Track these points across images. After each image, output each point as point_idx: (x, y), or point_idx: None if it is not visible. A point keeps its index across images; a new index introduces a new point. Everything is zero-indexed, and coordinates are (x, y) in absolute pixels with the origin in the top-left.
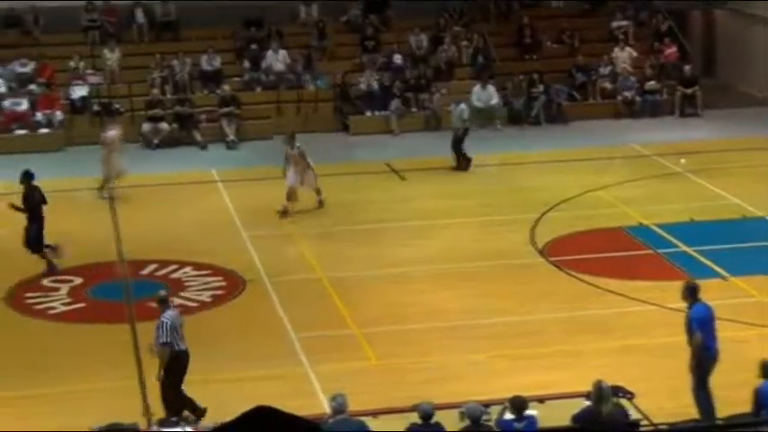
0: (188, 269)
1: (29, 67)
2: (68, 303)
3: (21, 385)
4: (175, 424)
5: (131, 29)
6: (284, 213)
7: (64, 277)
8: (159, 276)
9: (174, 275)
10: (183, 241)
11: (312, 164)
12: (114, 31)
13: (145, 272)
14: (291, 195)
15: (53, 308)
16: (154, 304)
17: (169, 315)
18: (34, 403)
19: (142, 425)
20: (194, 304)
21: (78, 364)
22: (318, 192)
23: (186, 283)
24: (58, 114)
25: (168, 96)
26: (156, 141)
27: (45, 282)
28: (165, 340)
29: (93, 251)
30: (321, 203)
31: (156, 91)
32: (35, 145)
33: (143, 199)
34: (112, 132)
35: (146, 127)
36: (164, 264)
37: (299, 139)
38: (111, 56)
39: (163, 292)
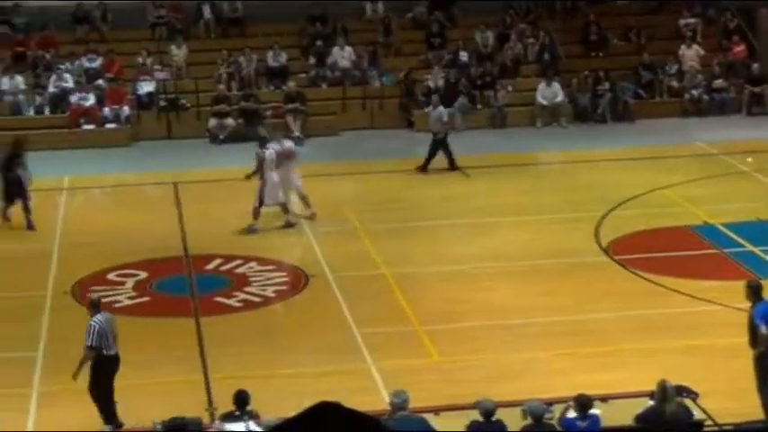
0: (252, 264)
1: (97, 63)
2: (133, 297)
3: (84, 377)
4: (238, 419)
5: (198, 25)
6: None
7: (129, 271)
8: (224, 271)
9: (239, 270)
10: (247, 236)
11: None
12: (181, 28)
13: (209, 267)
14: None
15: (118, 301)
16: (220, 299)
17: (98, 319)
18: None
19: (205, 419)
20: (258, 299)
21: (142, 358)
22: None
23: (250, 278)
24: (125, 109)
25: (234, 92)
26: (221, 137)
27: (111, 275)
28: (90, 344)
29: (158, 246)
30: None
31: (222, 87)
32: (102, 140)
33: (208, 194)
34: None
35: (212, 122)
36: (228, 259)
37: (364, 135)
38: (178, 52)
39: (95, 296)
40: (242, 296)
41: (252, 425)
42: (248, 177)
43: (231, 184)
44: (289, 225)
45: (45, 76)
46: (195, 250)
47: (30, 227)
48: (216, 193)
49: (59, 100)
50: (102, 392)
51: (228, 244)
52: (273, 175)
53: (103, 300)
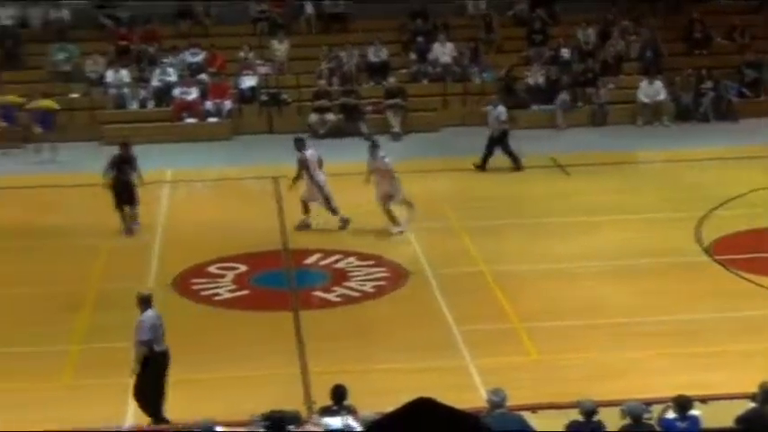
0: (352, 259)
1: (200, 57)
2: (233, 290)
3: (184, 370)
4: (336, 413)
5: (300, 20)
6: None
7: (229, 264)
8: (323, 266)
9: (338, 265)
10: (347, 231)
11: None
12: (283, 23)
13: (309, 261)
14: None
15: (218, 294)
16: (319, 293)
17: (149, 315)
18: (197, 388)
19: (303, 413)
20: (357, 294)
21: (241, 351)
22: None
23: (350, 274)
24: (227, 104)
25: (335, 87)
26: (322, 132)
27: (211, 268)
28: (143, 338)
29: (258, 239)
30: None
31: (323, 82)
32: (204, 133)
33: None
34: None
35: (312, 117)
36: (328, 253)
37: (464, 132)
38: (280, 47)
39: (145, 292)
40: (341, 291)
41: (349, 420)
42: (294, 182)
43: (331, 180)
44: (344, 222)
45: (149, 70)
46: (295, 244)
47: (128, 231)
48: None
49: (163, 94)
50: (150, 389)
51: (328, 239)
52: (320, 174)
53: (203, 293)
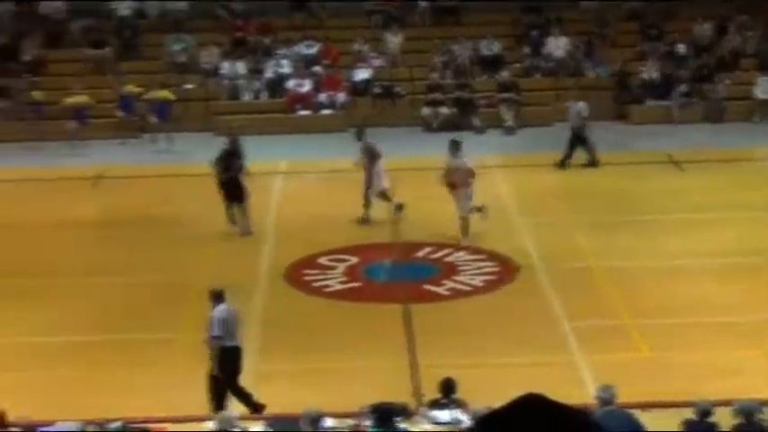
0: (462, 253)
1: (314, 49)
2: (344, 282)
3: (295, 359)
4: (445, 406)
5: (414, 13)
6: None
7: (341, 256)
8: (433, 259)
9: (448, 259)
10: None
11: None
12: (397, 15)
13: (419, 254)
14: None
15: (329, 285)
16: (429, 286)
17: (221, 310)
18: (306, 378)
19: (412, 405)
20: (467, 288)
21: (350, 342)
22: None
23: (460, 267)
24: (341, 96)
25: (448, 81)
26: (434, 125)
27: (322, 260)
28: (215, 334)
29: (369, 231)
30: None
31: (436, 75)
32: (317, 125)
33: (420, 181)
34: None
35: (425, 111)
36: (439, 247)
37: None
38: (394, 39)
39: (218, 288)
40: (451, 285)
41: (458, 413)
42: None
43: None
44: (399, 208)
45: (263, 62)
46: (406, 237)
47: (244, 232)
48: (428, 182)
49: (276, 85)
50: (224, 384)
51: (438, 232)
52: (380, 164)
53: (315, 284)
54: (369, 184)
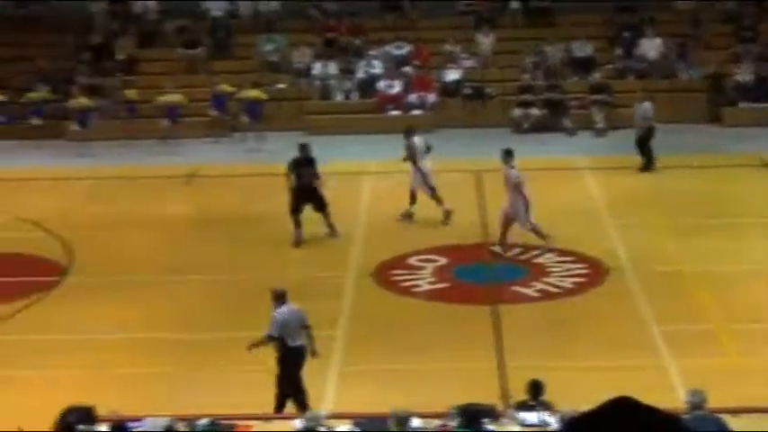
0: (551, 255)
1: (404, 50)
2: (433, 282)
3: (382, 359)
4: (532, 408)
5: (505, 14)
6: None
7: (430, 257)
8: (522, 260)
9: (538, 260)
10: (547, 226)
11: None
12: (489, 16)
13: (509, 255)
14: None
15: (418, 286)
16: (518, 287)
17: (282, 311)
18: (394, 378)
19: (499, 407)
20: (556, 290)
21: (438, 343)
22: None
23: (549, 269)
24: (431, 97)
25: (539, 82)
26: (525, 126)
27: (411, 260)
28: (270, 334)
29: (458, 232)
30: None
31: (527, 76)
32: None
33: None
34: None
35: (516, 112)
36: (528, 248)
37: (669, 129)
38: (485, 40)
39: (279, 288)
40: (540, 286)
41: (545, 416)
42: (404, 161)
43: (534, 174)
44: (447, 214)
45: (354, 62)
46: (495, 238)
47: (334, 233)
48: None
49: (367, 86)
50: (289, 384)
51: (527, 234)
52: (426, 163)
53: (403, 284)
54: (415, 181)
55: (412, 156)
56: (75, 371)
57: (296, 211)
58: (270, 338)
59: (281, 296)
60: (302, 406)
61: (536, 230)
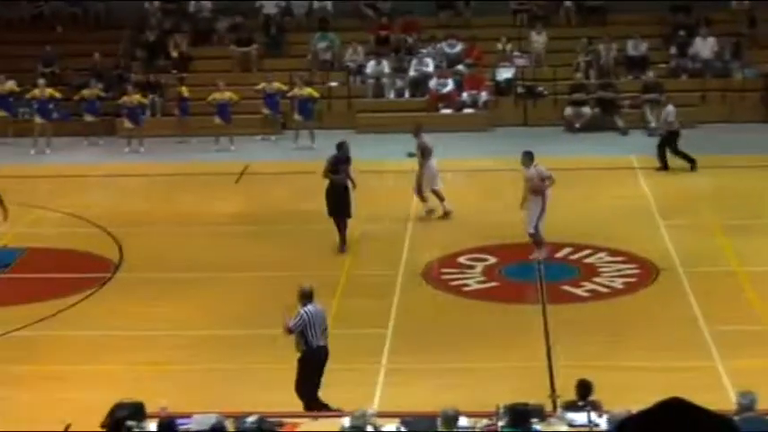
0: (602, 255)
1: (457, 48)
2: (482, 281)
3: (430, 359)
4: (581, 408)
5: (559, 13)
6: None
7: (480, 255)
8: (573, 260)
9: (588, 260)
10: (598, 226)
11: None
12: (542, 15)
13: (559, 255)
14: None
15: (467, 285)
16: (568, 287)
17: (308, 309)
18: (442, 377)
19: (547, 407)
20: (606, 290)
21: (487, 342)
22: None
23: (600, 269)
24: (484, 95)
25: (592, 81)
26: (577, 125)
27: (461, 259)
28: (291, 327)
29: (509, 231)
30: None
31: (580, 75)
32: (459, 124)
33: (561, 182)
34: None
35: (568, 110)
36: (579, 248)
37: (722, 129)
38: (538, 39)
39: (307, 286)
40: (590, 286)
41: (594, 416)
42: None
43: (586, 173)
44: (446, 213)
45: (406, 60)
46: (547, 237)
47: (342, 247)
48: (570, 182)
49: (419, 84)
50: (309, 385)
51: (579, 233)
52: (433, 163)
53: (453, 282)
54: (420, 181)
55: (422, 153)
56: (126, 367)
57: (333, 213)
58: (289, 331)
59: (308, 295)
60: (312, 402)
61: (537, 239)
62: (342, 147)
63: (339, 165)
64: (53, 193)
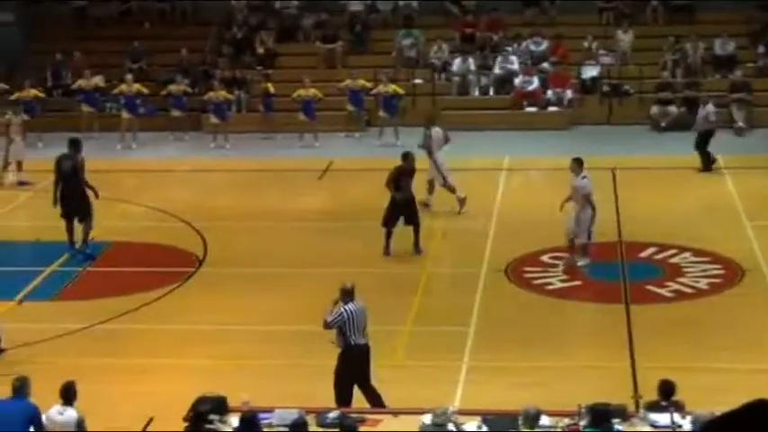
0: (687, 255)
1: (542, 46)
2: (565, 280)
3: (512, 357)
4: (664, 409)
5: (646, 11)
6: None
7: (563, 254)
8: (657, 260)
9: (673, 260)
10: (683, 226)
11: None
12: (629, 13)
13: (644, 254)
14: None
15: (550, 283)
16: (652, 287)
17: (349, 308)
18: (523, 375)
19: (630, 407)
20: (691, 291)
21: (570, 341)
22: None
23: (684, 269)
24: (568, 93)
25: (679, 79)
26: (663, 124)
27: (544, 257)
28: (329, 321)
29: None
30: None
31: (666, 74)
32: (543, 122)
33: (647, 181)
34: None
35: (654, 109)
36: (663, 248)
37: None
38: (624, 37)
39: (348, 284)
40: (674, 286)
41: (677, 417)
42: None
43: (671, 173)
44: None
45: (491, 58)
46: (630, 237)
47: (417, 251)
48: (654, 181)
49: (504, 81)
50: (344, 381)
51: (663, 233)
52: (440, 155)
53: (535, 281)
54: (442, 173)
55: (428, 146)
56: (209, 361)
57: (388, 223)
58: (327, 326)
59: (350, 293)
60: (345, 403)
61: (584, 248)
62: (407, 157)
63: (402, 176)
64: (139, 188)
